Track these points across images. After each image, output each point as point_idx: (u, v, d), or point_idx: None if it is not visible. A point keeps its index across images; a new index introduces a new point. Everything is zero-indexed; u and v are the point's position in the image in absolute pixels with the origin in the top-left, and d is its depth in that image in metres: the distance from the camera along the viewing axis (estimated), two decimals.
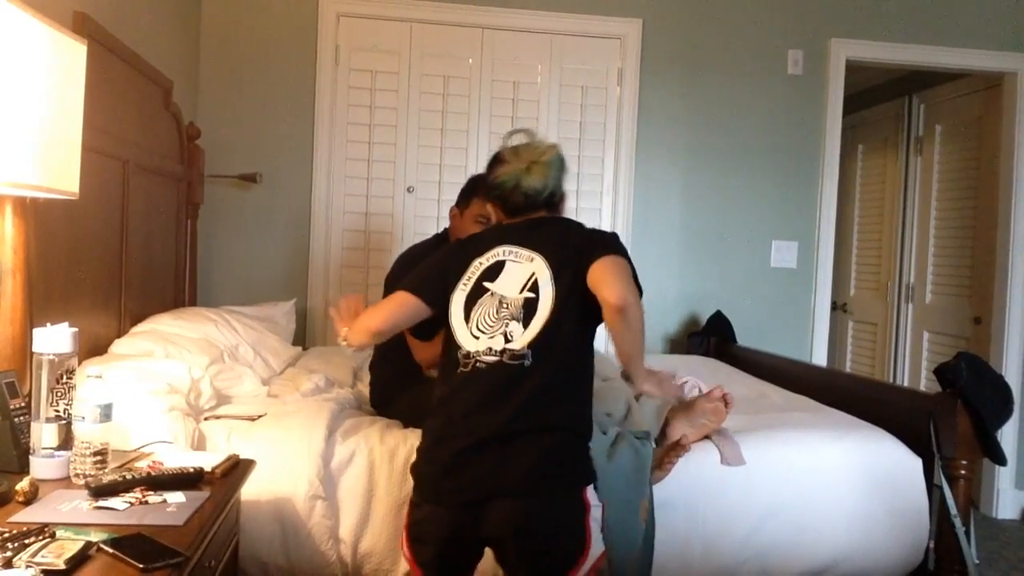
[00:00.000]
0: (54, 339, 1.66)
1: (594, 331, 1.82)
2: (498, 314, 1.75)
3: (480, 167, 3.91)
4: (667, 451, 2.17)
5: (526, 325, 1.72)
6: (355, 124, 3.88)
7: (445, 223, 3.89)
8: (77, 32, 2.08)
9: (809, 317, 4.19)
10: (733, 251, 4.16)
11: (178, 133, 3.29)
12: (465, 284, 1.81)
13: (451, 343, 1.78)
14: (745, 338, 3.96)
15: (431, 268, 1.90)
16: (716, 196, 4.12)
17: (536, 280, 1.76)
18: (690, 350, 3.95)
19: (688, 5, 4.06)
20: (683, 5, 4.06)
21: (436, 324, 1.89)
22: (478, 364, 1.71)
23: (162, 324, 2.61)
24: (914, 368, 4.87)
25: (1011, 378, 4.02)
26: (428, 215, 3.93)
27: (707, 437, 2.32)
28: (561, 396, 1.71)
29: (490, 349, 1.71)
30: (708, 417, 2.31)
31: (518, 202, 1.88)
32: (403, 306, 1.86)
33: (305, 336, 3.82)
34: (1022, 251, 4.17)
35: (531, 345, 1.70)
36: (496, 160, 1.97)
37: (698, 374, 2.93)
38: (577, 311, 1.74)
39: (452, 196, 3.90)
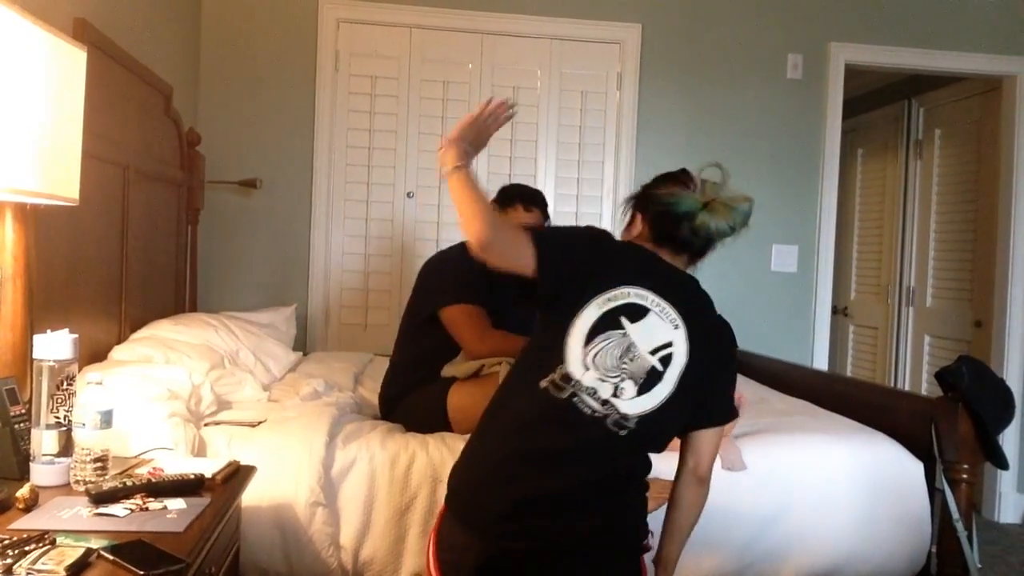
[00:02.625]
0: (54, 345, 1.66)
1: None
2: (620, 360, 1.55)
3: (480, 173, 3.92)
4: (660, 488, 2.08)
5: (640, 393, 1.54)
6: (355, 129, 3.89)
7: (445, 228, 3.91)
8: (77, 38, 2.08)
9: (810, 321, 4.19)
10: (733, 255, 4.12)
11: (178, 139, 3.29)
12: (603, 304, 1.57)
13: (551, 354, 1.56)
14: (746, 343, 3.93)
15: (578, 250, 1.64)
16: None
17: (671, 354, 1.57)
18: None
19: (687, 10, 4.06)
20: (682, 10, 4.06)
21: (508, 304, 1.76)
22: (575, 400, 1.52)
23: (162, 330, 2.61)
24: (915, 372, 4.87)
25: (1012, 381, 4.01)
26: (428, 220, 3.93)
27: None
28: (639, 475, 1.61)
29: (594, 391, 1.52)
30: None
31: (675, 232, 1.68)
32: (519, 243, 1.59)
33: (306, 341, 3.82)
34: (1022, 254, 4.17)
35: (641, 419, 1.54)
36: (672, 178, 1.79)
37: None
38: (687, 416, 1.62)
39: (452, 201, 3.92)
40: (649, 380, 1.55)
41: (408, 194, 3.91)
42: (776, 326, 4.15)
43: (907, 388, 4.80)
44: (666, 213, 1.67)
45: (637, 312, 1.57)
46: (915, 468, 2.35)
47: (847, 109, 4.33)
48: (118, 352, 2.40)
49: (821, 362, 4.19)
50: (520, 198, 2.58)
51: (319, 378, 2.80)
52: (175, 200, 3.28)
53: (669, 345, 1.57)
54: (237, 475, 1.79)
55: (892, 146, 5.11)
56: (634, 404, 1.53)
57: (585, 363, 1.53)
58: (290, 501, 2.07)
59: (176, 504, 1.54)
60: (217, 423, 2.26)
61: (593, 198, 4.03)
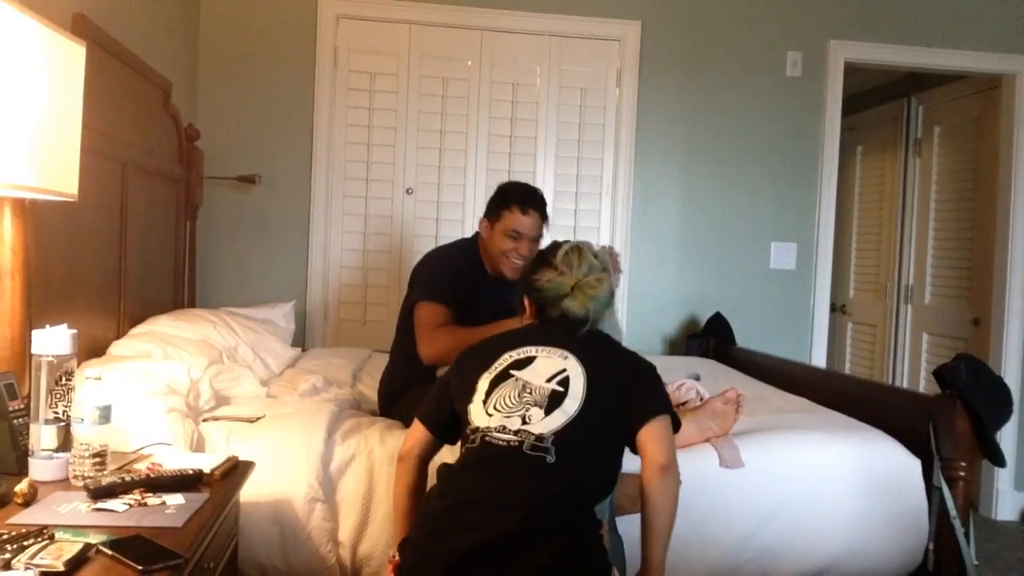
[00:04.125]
0: (53, 341, 1.66)
1: (622, 453, 1.76)
2: (519, 398, 1.68)
3: (479, 169, 3.94)
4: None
5: (548, 413, 1.65)
6: (354, 126, 3.88)
7: (444, 225, 3.91)
8: (76, 34, 2.08)
9: (808, 318, 4.20)
10: (732, 252, 4.16)
11: (177, 134, 3.29)
12: (492, 371, 1.74)
13: (464, 425, 1.72)
14: (744, 339, 3.96)
15: (435, 399, 1.85)
16: (715, 197, 4.12)
17: (568, 376, 1.70)
18: (689, 351, 3.95)
19: (687, 7, 4.06)
20: (682, 7, 4.06)
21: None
22: (487, 440, 1.63)
23: (161, 325, 2.61)
24: (913, 369, 4.88)
25: (1010, 379, 4.02)
26: (427, 216, 3.93)
27: (707, 440, 2.32)
28: (582, 499, 1.63)
29: (503, 427, 1.63)
30: (716, 420, 2.30)
31: (552, 316, 1.85)
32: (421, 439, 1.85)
33: (304, 337, 3.82)
34: (1021, 252, 4.18)
35: (555, 435, 1.62)
36: (547, 256, 1.90)
37: (697, 374, 2.93)
38: (613, 429, 1.71)
39: (451, 198, 3.94)
40: (553, 401, 1.66)
41: (407, 190, 3.91)
42: (775, 323, 4.15)
43: (905, 385, 4.81)
44: (539, 297, 1.87)
45: (524, 362, 1.74)
46: (912, 465, 2.36)
47: (846, 107, 4.33)
48: (117, 347, 2.40)
49: (820, 359, 4.20)
50: (517, 200, 2.53)
51: (318, 374, 2.81)
52: (174, 196, 3.28)
53: (563, 371, 1.71)
54: (236, 470, 1.79)
55: (891, 144, 5.11)
56: (545, 424, 1.63)
57: (487, 412, 1.67)
58: (289, 497, 2.07)
59: (175, 499, 1.55)
60: (216, 419, 2.27)
61: (592, 195, 4.03)
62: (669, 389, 2.66)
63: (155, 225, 3.03)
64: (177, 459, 1.80)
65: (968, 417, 2.32)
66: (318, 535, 2.09)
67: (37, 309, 1.98)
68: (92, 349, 2.36)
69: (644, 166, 4.05)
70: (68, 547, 1.26)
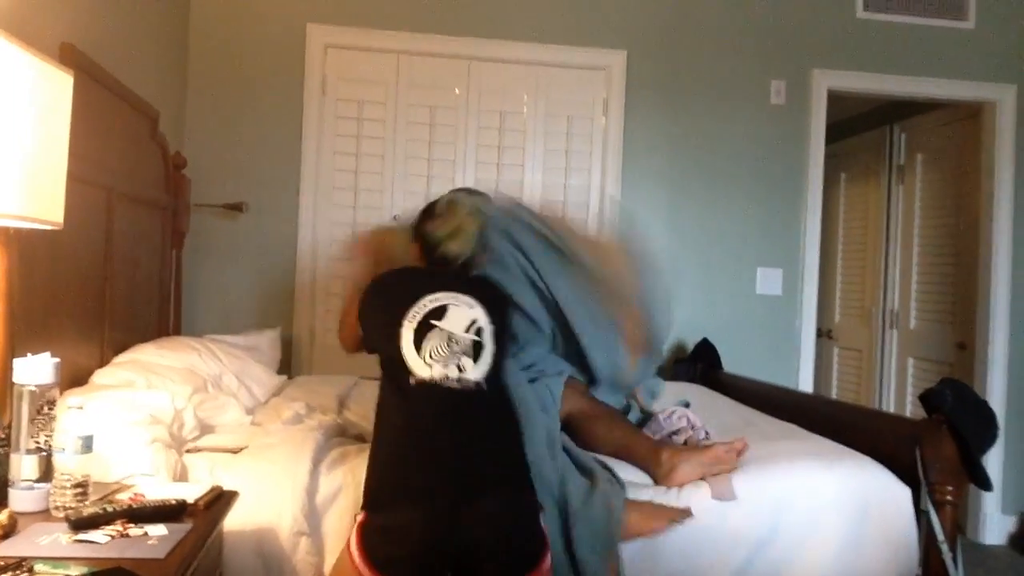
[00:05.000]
0: (35, 370, 1.65)
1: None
2: (449, 347, 1.93)
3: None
4: (669, 513, 2.13)
5: (476, 361, 1.92)
6: (342, 153, 3.90)
7: None
8: (64, 63, 2.09)
9: (795, 344, 4.21)
10: (719, 278, 4.18)
11: (164, 162, 3.29)
12: (412, 319, 1.96)
13: (400, 371, 1.91)
14: (732, 365, 3.97)
15: (373, 316, 2.10)
16: (701, 224, 4.15)
17: (480, 326, 1.98)
18: (677, 377, 3.95)
19: (672, 37, 4.11)
20: (667, 37, 4.11)
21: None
22: (432, 385, 1.87)
23: (145, 354, 2.59)
24: (899, 394, 4.90)
25: (995, 403, 4.04)
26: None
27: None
28: (512, 429, 1.94)
29: (446, 376, 1.88)
30: (715, 468, 2.27)
31: (432, 257, 2.19)
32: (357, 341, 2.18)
33: (290, 365, 3.80)
34: (1004, 277, 4.22)
35: (486, 379, 1.91)
36: (430, 211, 2.25)
37: (685, 400, 2.92)
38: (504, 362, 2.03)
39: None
40: (476, 349, 1.94)
41: (394, 217, 3.91)
42: (762, 348, 4.16)
43: (891, 410, 4.83)
44: (426, 243, 2.22)
45: (440, 311, 1.98)
46: (902, 493, 2.35)
47: (830, 134, 4.38)
48: (100, 376, 2.37)
49: (806, 384, 4.21)
50: (413, 232, 2.61)
51: (301, 401, 2.78)
52: (160, 224, 3.27)
53: (474, 321, 1.98)
54: (219, 501, 1.77)
55: (875, 171, 5.17)
56: (477, 370, 1.92)
57: (427, 363, 1.89)
58: (274, 529, 2.05)
59: (157, 530, 1.53)
60: (198, 450, 2.24)
61: (579, 221, 4.04)
62: (660, 417, 2.66)
63: (141, 253, 3.02)
64: (160, 489, 1.78)
65: (954, 441, 2.33)
66: (303, 569, 2.05)
67: (19, 337, 1.96)
68: (75, 378, 2.34)
69: (631, 192, 4.08)
70: None
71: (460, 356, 1.92)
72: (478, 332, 1.97)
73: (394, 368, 1.92)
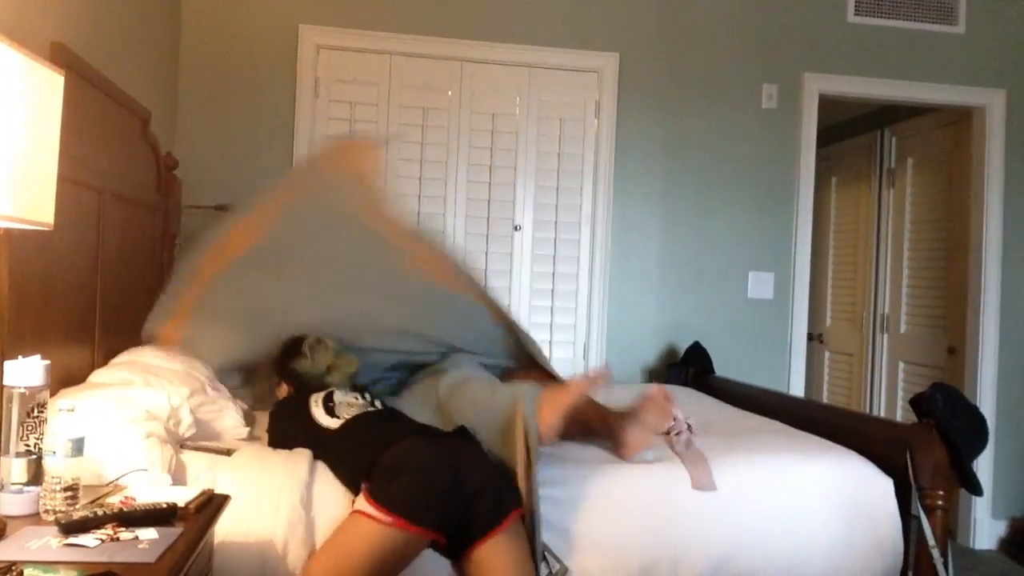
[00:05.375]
0: (25, 372, 1.63)
1: None
2: (356, 405, 2.34)
3: (458, 199, 3.95)
4: (579, 385, 2.24)
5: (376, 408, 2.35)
6: None
7: None
8: (54, 62, 2.07)
9: (786, 348, 4.22)
10: (710, 282, 4.19)
11: (155, 163, 3.27)
12: (316, 404, 2.34)
13: (322, 431, 2.27)
14: (723, 369, 3.98)
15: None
16: (693, 227, 4.15)
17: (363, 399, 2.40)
18: (669, 381, 3.95)
19: (664, 40, 4.12)
20: (659, 40, 4.12)
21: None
22: (360, 416, 2.27)
23: (142, 355, 2.57)
24: (890, 398, 4.91)
25: (985, 408, 4.06)
26: None
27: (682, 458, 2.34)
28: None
29: (363, 411, 2.30)
30: (653, 415, 2.38)
31: (315, 388, 2.45)
32: None
33: None
34: (994, 281, 4.24)
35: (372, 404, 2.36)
36: (293, 348, 2.57)
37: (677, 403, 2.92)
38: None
39: (431, 227, 3.93)
40: (373, 405, 2.39)
41: None
42: (753, 353, 4.17)
43: (882, 414, 4.84)
44: (300, 381, 2.54)
45: (329, 396, 2.39)
46: (885, 484, 2.36)
47: (821, 138, 4.40)
48: (97, 375, 2.35)
49: (797, 388, 4.22)
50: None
51: None
52: (151, 224, 3.26)
53: (357, 396, 2.43)
54: (211, 504, 1.76)
55: (865, 175, 5.19)
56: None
57: (340, 417, 2.30)
58: (268, 534, 2.03)
59: (148, 534, 1.52)
60: (195, 447, 2.23)
61: (571, 224, 4.05)
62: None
63: (132, 254, 3.00)
64: (151, 492, 1.77)
65: (944, 446, 2.34)
66: (298, 563, 2.04)
67: (9, 340, 1.95)
68: (65, 380, 2.32)
69: (622, 196, 4.08)
70: None
71: (365, 404, 2.36)
72: (366, 399, 2.39)
73: (316, 437, 2.27)
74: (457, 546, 1.95)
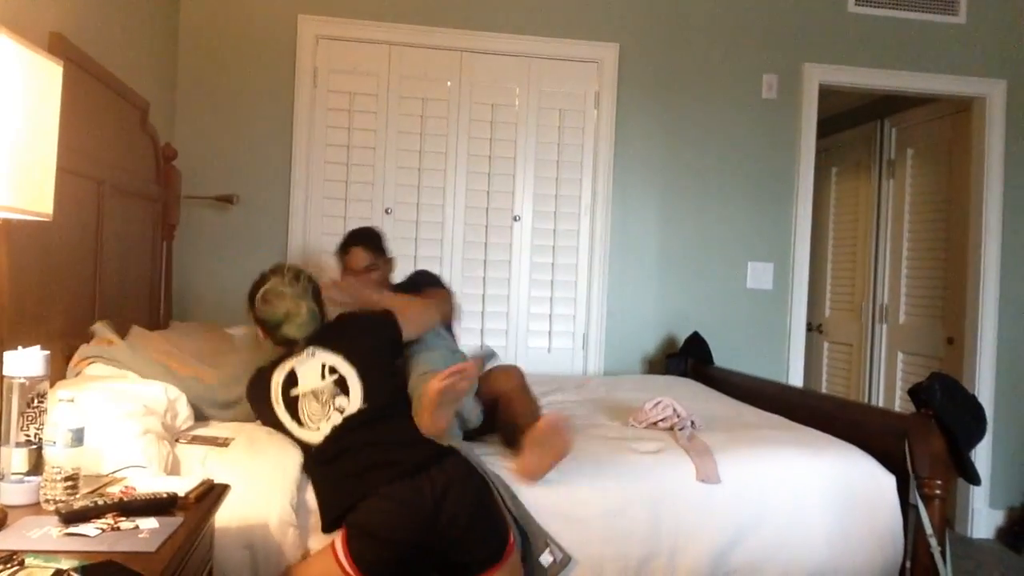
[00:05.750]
0: (25, 362, 1.64)
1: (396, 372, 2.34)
2: (321, 404, 2.14)
3: (458, 189, 3.95)
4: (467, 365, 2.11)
5: (348, 395, 2.13)
6: (333, 146, 3.88)
7: (423, 245, 3.91)
8: (53, 53, 2.07)
9: (785, 338, 4.23)
10: (710, 272, 4.19)
11: (154, 154, 3.27)
12: (277, 402, 2.19)
13: (299, 442, 2.16)
14: (722, 359, 3.98)
15: (258, 413, 2.32)
16: (693, 218, 4.15)
17: (330, 365, 2.17)
18: (668, 371, 3.96)
19: (664, 30, 4.11)
20: (659, 30, 4.11)
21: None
22: (328, 437, 2.10)
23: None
24: (889, 388, 4.92)
25: (984, 398, 4.07)
26: (406, 237, 3.92)
27: (687, 451, 2.34)
28: (402, 416, 2.15)
29: (333, 427, 2.10)
30: (549, 441, 2.14)
31: (279, 339, 2.25)
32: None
33: None
34: (993, 272, 4.24)
35: (365, 400, 2.13)
36: (260, 289, 2.29)
37: (676, 395, 2.93)
38: (384, 365, 2.25)
39: (430, 218, 3.94)
40: (343, 387, 2.14)
41: (386, 210, 3.91)
42: (752, 343, 4.18)
43: (881, 404, 4.85)
44: (264, 326, 2.28)
45: (291, 379, 2.20)
46: (887, 480, 2.38)
47: (821, 129, 4.39)
48: (93, 368, 2.36)
49: (796, 379, 4.23)
50: (341, 243, 3.01)
51: None
52: (150, 215, 3.26)
53: (324, 364, 2.17)
54: (211, 494, 1.77)
55: (865, 165, 5.18)
56: (353, 402, 2.13)
57: (312, 429, 2.13)
58: (263, 521, 2.04)
59: (148, 523, 1.52)
60: (191, 438, 2.24)
61: (571, 215, 4.05)
62: (646, 407, 2.71)
63: (131, 245, 3.00)
64: (151, 482, 1.77)
65: (943, 436, 2.34)
66: (292, 560, 2.06)
67: (9, 329, 1.96)
68: (65, 370, 2.33)
69: (622, 186, 4.08)
70: (39, 573, 1.23)
71: (332, 402, 2.13)
72: (332, 371, 2.16)
73: (293, 439, 2.18)
74: None
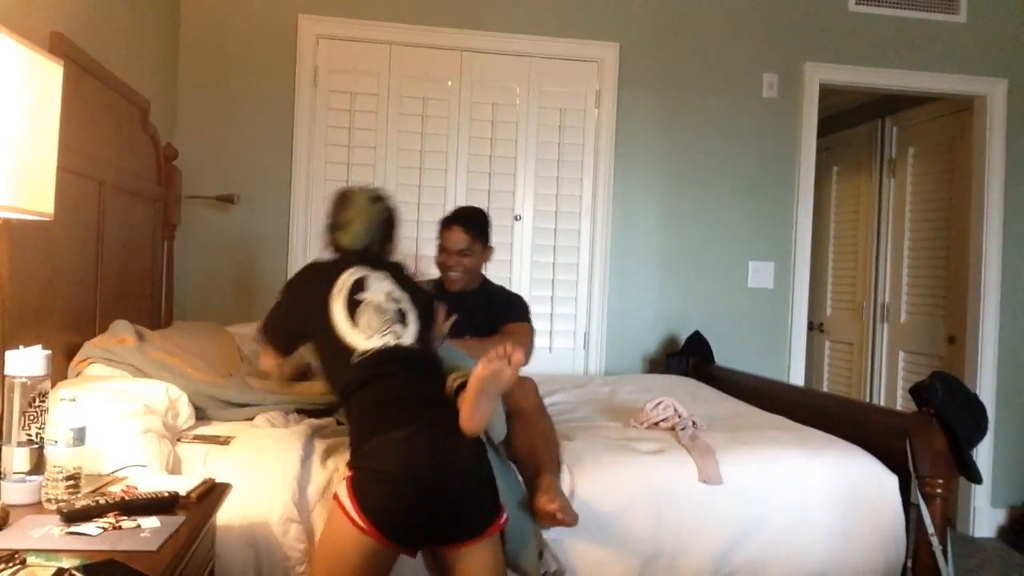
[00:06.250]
0: (27, 362, 1.64)
1: None
2: (381, 318, 2.11)
3: (459, 189, 3.95)
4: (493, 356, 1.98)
5: (404, 326, 2.13)
6: (334, 145, 3.88)
7: (423, 244, 3.90)
8: (54, 52, 2.07)
9: (786, 337, 4.22)
10: (711, 271, 4.19)
11: (155, 154, 3.27)
12: (337, 295, 2.13)
13: (342, 350, 2.06)
14: (723, 358, 3.98)
15: (282, 323, 2.28)
16: (693, 217, 4.15)
17: (395, 296, 2.18)
18: (669, 370, 3.96)
19: (664, 29, 4.11)
20: (659, 29, 4.11)
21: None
22: (377, 352, 2.04)
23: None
24: (890, 387, 4.92)
25: (985, 396, 4.07)
26: (406, 236, 3.90)
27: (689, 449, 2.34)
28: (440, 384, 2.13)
29: (385, 345, 2.06)
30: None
31: (333, 241, 2.29)
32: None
33: None
34: (994, 270, 4.24)
35: (417, 341, 2.13)
36: (344, 198, 2.30)
37: (677, 394, 2.93)
38: (431, 326, 2.28)
39: (431, 217, 3.92)
40: (401, 316, 2.14)
41: None
42: (753, 342, 4.18)
43: (882, 403, 4.85)
44: (329, 227, 2.31)
45: (360, 284, 2.15)
46: (889, 481, 2.37)
47: (822, 128, 4.39)
48: (94, 368, 2.36)
49: (797, 378, 4.23)
50: (442, 220, 2.96)
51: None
52: (151, 215, 3.26)
53: (390, 292, 2.18)
54: (212, 493, 1.77)
55: (866, 164, 5.18)
56: (408, 335, 2.12)
57: (368, 336, 2.07)
58: (265, 518, 2.05)
59: (150, 522, 1.53)
60: (192, 436, 2.24)
61: (572, 214, 4.05)
62: (648, 407, 2.70)
63: (132, 245, 3.00)
64: (153, 481, 1.77)
65: (944, 434, 2.34)
66: (294, 556, 2.06)
67: (11, 329, 1.96)
68: (67, 370, 2.33)
69: (623, 186, 4.08)
70: (40, 572, 1.23)
71: (392, 324, 2.11)
72: (396, 300, 2.17)
73: (334, 348, 2.08)
74: (432, 542, 1.95)
